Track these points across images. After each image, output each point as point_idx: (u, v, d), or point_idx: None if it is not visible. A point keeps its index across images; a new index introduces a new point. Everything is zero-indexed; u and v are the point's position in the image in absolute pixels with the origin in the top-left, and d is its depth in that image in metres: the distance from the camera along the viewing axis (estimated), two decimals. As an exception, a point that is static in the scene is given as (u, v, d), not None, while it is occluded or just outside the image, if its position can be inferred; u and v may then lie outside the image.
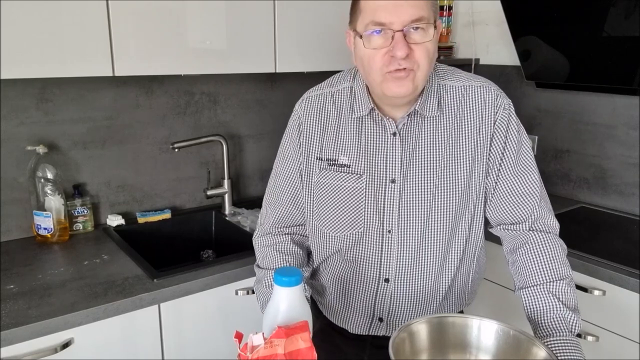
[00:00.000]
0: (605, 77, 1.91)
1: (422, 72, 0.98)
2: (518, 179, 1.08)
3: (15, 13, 1.30)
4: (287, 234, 1.20)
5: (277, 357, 0.79)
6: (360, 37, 0.98)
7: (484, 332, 0.90)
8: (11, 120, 1.65)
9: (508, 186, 1.08)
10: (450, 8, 2.38)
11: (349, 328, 1.19)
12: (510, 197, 1.09)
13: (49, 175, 1.65)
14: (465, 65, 2.36)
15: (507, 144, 1.07)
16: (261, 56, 1.74)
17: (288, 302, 0.83)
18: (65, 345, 1.26)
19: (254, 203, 2.02)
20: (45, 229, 1.66)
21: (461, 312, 1.23)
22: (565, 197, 2.20)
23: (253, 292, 1.53)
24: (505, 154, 1.08)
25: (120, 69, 1.47)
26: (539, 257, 1.04)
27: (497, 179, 1.09)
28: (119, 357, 1.36)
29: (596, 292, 1.55)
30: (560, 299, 0.99)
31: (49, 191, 1.65)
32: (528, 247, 1.06)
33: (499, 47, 2.31)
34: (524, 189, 1.08)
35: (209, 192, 1.98)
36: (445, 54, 2.40)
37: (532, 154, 1.11)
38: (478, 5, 2.37)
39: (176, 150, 1.86)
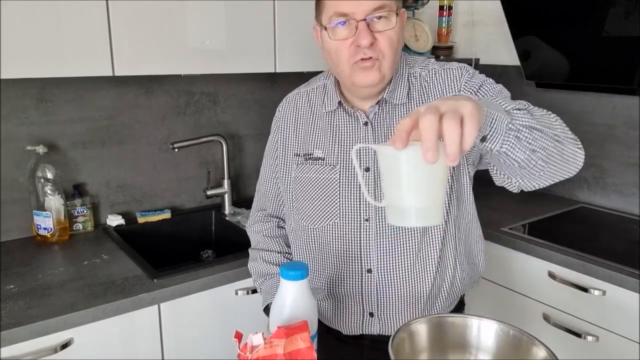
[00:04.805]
0: (605, 77, 1.91)
1: (388, 61, 1.01)
2: None
3: (15, 13, 1.30)
4: (274, 221, 1.31)
5: (277, 357, 0.79)
6: (326, 29, 1.01)
7: (484, 331, 0.90)
8: (11, 120, 1.65)
9: None
10: (450, 8, 2.38)
11: (342, 328, 1.18)
12: None
13: (49, 175, 1.65)
14: (465, 65, 2.36)
15: (482, 88, 1.03)
16: (261, 56, 1.74)
17: (293, 296, 0.86)
18: (65, 345, 1.26)
19: (254, 203, 2.02)
20: (45, 229, 1.66)
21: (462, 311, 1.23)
22: (565, 197, 2.20)
23: (253, 292, 1.53)
24: (481, 94, 1.02)
25: (120, 69, 1.47)
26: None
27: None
28: (119, 357, 1.36)
29: (596, 292, 1.55)
30: (507, 108, 0.84)
31: (48, 191, 1.65)
32: None
33: (499, 47, 2.31)
34: None
35: (209, 192, 1.98)
36: (445, 54, 2.40)
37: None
38: (478, 5, 2.37)
39: (176, 150, 1.86)
